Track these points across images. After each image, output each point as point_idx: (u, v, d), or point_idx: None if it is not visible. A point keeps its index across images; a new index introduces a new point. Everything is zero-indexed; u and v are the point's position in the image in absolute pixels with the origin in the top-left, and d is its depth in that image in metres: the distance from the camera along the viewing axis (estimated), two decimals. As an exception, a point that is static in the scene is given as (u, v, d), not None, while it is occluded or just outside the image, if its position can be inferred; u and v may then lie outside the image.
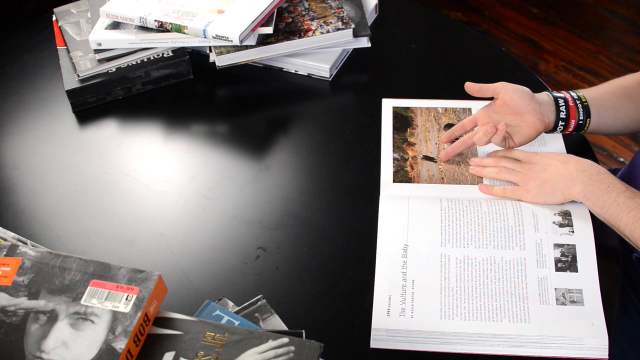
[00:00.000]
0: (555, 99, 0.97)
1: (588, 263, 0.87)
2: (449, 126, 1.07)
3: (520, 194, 0.94)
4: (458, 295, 0.85)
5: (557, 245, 0.89)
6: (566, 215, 0.91)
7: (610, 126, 1.00)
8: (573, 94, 0.98)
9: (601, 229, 0.90)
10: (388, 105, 1.11)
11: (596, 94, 0.99)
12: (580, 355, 0.80)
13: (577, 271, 0.87)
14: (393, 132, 1.06)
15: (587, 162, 0.92)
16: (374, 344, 0.82)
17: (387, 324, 0.83)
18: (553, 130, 0.99)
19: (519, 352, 0.81)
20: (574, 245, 0.89)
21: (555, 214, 0.92)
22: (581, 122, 0.97)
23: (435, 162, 1.02)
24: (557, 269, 0.87)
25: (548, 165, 0.94)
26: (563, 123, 0.97)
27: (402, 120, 1.08)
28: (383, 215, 0.94)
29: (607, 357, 0.80)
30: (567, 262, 0.87)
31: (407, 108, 1.10)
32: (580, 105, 0.97)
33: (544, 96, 0.98)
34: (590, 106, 0.97)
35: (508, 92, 0.97)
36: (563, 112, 0.97)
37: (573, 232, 0.90)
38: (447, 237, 0.90)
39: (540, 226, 0.91)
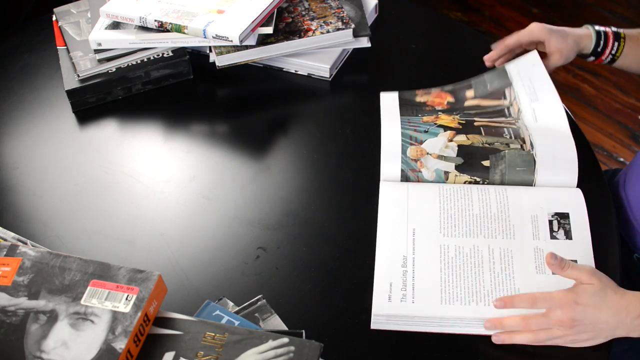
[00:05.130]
0: (597, 32, 1.09)
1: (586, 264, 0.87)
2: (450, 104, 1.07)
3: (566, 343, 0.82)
4: (458, 281, 0.85)
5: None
6: (564, 217, 0.91)
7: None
8: (614, 28, 1.09)
9: (601, 229, 0.90)
10: (388, 96, 1.09)
11: (635, 32, 1.10)
12: (581, 349, 0.80)
13: None
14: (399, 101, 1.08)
15: (635, 300, 0.81)
16: (374, 325, 0.83)
17: (388, 309, 0.83)
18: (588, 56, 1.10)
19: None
20: (572, 251, 0.88)
21: (552, 218, 0.91)
22: (614, 52, 1.08)
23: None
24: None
25: (596, 321, 0.80)
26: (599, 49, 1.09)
27: (407, 102, 1.09)
28: (383, 201, 0.94)
29: (608, 357, 0.80)
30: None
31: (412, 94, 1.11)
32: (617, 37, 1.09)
33: (585, 30, 1.10)
34: (627, 38, 1.08)
35: (551, 44, 1.09)
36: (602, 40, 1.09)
37: (571, 238, 0.90)
38: (447, 224, 0.91)
39: (541, 233, 0.91)
